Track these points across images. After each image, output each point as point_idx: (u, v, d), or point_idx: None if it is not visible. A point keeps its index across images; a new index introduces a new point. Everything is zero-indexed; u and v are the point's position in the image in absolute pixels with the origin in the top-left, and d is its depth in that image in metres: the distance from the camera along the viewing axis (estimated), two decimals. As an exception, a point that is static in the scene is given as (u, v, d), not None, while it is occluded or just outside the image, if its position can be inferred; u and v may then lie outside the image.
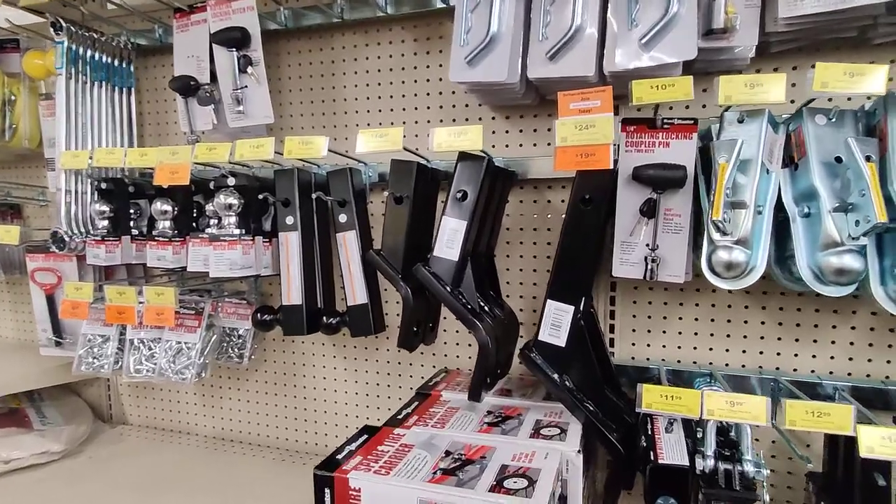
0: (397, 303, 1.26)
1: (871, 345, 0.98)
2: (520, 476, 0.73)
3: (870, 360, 0.98)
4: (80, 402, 1.56)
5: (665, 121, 0.85)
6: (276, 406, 1.42)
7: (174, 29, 1.22)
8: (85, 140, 1.28)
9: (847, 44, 0.93)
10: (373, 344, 1.31)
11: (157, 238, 1.18)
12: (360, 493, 0.73)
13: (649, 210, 0.86)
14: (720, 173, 0.75)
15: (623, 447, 0.89)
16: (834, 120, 0.77)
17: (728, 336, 1.05)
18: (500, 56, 0.91)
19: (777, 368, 1.03)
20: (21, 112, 1.45)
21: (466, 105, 1.18)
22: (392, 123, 1.24)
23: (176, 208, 1.19)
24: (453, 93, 1.18)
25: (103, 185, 1.24)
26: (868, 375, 0.98)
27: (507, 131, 1.15)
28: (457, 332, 1.23)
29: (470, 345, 1.23)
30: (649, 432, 0.88)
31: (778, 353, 1.03)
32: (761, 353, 1.03)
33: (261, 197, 1.10)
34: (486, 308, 0.96)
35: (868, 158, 0.71)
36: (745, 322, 1.04)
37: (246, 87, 1.13)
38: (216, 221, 1.17)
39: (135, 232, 1.26)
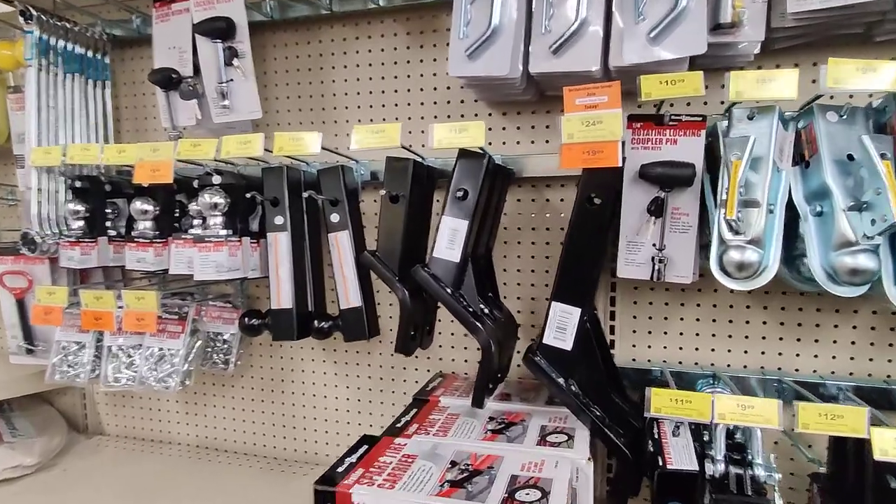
0: (391, 305, 1.22)
1: (872, 344, 0.97)
2: (531, 487, 0.70)
3: (871, 360, 0.98)
4: (53, 412, 1.48)
5: (673, 117, 0.83)
6: (264, 413, 1.36)
7: (153, 19, 1.15)
8: (57, 136, 1.21)
9: (849, 41, 0.92)
10: (364, 348, 1.27)
11: (137, 239, 1.12)
12: (364, 509, 0.69)
13: (657, 209, 0.83)
14: (733, 171, 0.73)
15: (630, 452, 0.86)
16: (845, 117, 0.76)
17: (730, 336, 1.03)
18: (502, 49, 0.88)
19: (779, 368, 1.02)
20: (-13, 106, 1.37)
21: (462, 101, 1.14)
22: (384, 119, 1.20)
23: (157, 208, 1.13)
24: (448, 88, 1.15)
25: (78, 184, 1.16)
26: (870, 375, 0.98)
27: (504, 128, 1.12)
28: (452, 334, 1.20)
29: (466, 348, 1.19)
30: (656, 436, 0.86)
31: (780, 353, 1.02)
32: (763, 353, 1.02)
33: (249, 196, 1.05)
34: (486, 310, 0.93)
35: (883, 156, 0.69)
36: (747, 322, 1.02)
37: (232, 80, 1.08)
38: (200, 222, 1.11)
39: (112, 233, 1.20)
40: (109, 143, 1.33)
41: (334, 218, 1.07)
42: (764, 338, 1.02)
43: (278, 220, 1.07)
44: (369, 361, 1.27)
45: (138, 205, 1.12)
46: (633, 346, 1.09)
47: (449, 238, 0.89)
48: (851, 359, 0.98)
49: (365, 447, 0.83)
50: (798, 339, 1.00)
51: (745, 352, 1.03)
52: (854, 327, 0.98)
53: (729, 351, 1.04)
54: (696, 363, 1.06)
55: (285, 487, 1.21)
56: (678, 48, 0.80)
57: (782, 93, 0.71)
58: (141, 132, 1.41)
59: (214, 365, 1.25)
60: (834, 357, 0.99)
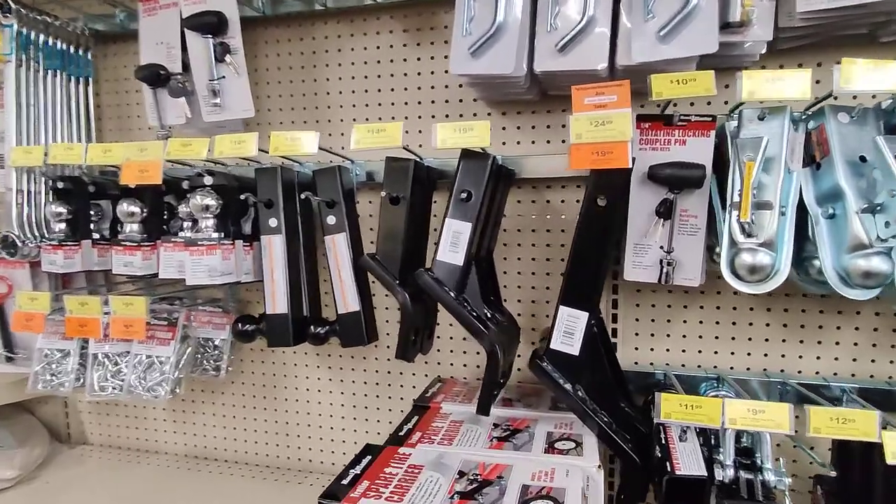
0: (387, 308, 1.19)
1: (874, 345, 0.97)
2: (544, 498, 0.68)
3: (873, 361, 0.98)
4: (34, 422, 1.42)
5: (682, 117, 0.82)
6: (256, 420, 1.33)
7: (140, 13, 1.11)
8: (38, 134, 1.16)
9: (853, 42, 0.91)
10: (359, 353, 1.23)
11: (124, 242, 1.07)
12: (372, 524, 0.67)
13: (666, 211, 0.82)
14: (747, 172, 0.72)
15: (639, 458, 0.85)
16: (856, 118, 0.75)
17: (732, 338, 1.03)
18: (506, 47, 0.86)
19: (782, 370, 1.01)
20: (-38, 103, 1.31)
21: (460, 100, 1.12)
22: (380, 119, 1.17)
23: (145, 210, 1.09)
24: (446, 87, 1.12)
25: (60, 185, 1.12)
26: (871, 376, 0.98)
27: (503, 128, 1.10)
28: (451, 338, 1.17)
29: (465, 352, 1.17)
30: (663, 441, 0.85)
31: (782, 355, 1.01)
32: (766, 355, 1.02)
33: (243, 197, 1.01)
34: (489, 314, 0.91)
35: (897, 158, 0.68)
36: (750, 324, 1.02)
37: (224, 77, 1.04)
38: (190, 224, 1.08)
39: (96, 236, 1.15)
40: (91, 141, 1.28)
41: (331, 220, 1.04)
42: (767, 340, 1.01)
43: (272, 222, 1.03)
44: (364, 367, 1.24)
45: (125, 207, 1.08)
46: (636, 348, 1.08)
47: (452, 241, 0.87)
48: (854, 360, 0.98)
49: (368, 457, 0.80)
50: (801, 341, 1.00)
51: (748, 354, 1.02)
52: (856, 328, 0.97)
53: (732, 353, 1.03)
54: (699, 365, 1.05)
55: (279, 496, 1.18)
56: (688, 47, 0.79)
57: (795, 93, 0.70)
58: (124, 131, 1.36)
59: (205, 371, 1.21)
60: (836, 359, 0.99)
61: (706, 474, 0.78)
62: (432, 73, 1.13)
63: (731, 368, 1.03)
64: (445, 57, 1.11)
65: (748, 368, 1.03)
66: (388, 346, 1.21)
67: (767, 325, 1.01)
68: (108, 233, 1.16)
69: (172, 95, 1.07)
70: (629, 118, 0.73)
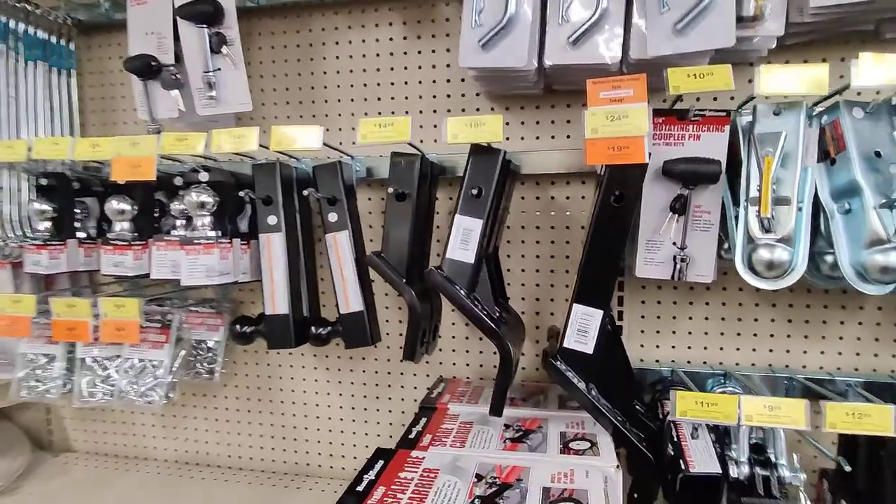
0: (386, 308, 1.17)
1: (877, 339, 0.98)
2: (567, 500, 0.67)
3: (876, 355, 0.99)
4: (14, 430, 1.36)
5: (696, 112, 0.81)
6: (251, 424, 1.29)
7: (128, 1, 1.06)
8: (18, 128, 1.11)
9: (857, 38, 0.92)
10: (357, 353, 1.21)
11: (113, 242, 1.03)
12: (392, 532, 0.64)
13: (681, 207, 0.81)
14: (766, 167, 0.71)
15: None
16: (871, 113, 0.75)
17: (738, 334, 1.03)
18: (518, 39, 0.84)
19: (786, 366, 1.02)
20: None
21: (462, 95, 1.09)
22: (379, 113, 1.14)
23: (135, 207, 1.04)
24: (448, 81, 1.10)
25: (43, 181, 1.06)
26: (874, 370, 0.99)
27: (507, 123, 1.08)
28: (453, 337, 1.15)
29: (468, 351, 1.15)
30: (675, 439, 0.84)
31: (787, 351, 1.01)
32: (771, 350, 1.02)
33: (241, 194, 0.98)
34: (499, 314, 0.89)
35: (915, 153, 0.68)
36: (756, 320, 1.02)
37: (219, 69, 1.00)
38: (184, 222, 1.03)
39: (81, 235, 1.10)
40: (75, 135, 1.23)
41: (332, 217, 1.00)
42: (772, 335, 1.02)
43: (271, 219, 1.00)
44: (362, 367, 1.21)
45: (115, 204, 1.03)
46: (641, 345, 1.07)
47: (463, 238, 0.85)
48: (857, 354, 0.99)
49: (381, 462, 0.77)
50: (805, 336, 1.00)
51: (753, 349, 1.02)
52: (860, 323, 0.98)
53: (737, 349, 1.03)
54: (705, 362, 1.05)
55: (278, 502, 1.14)
56: (705, 40, 0.78)
57: (812, 88, 0.70)
58: (109, 125, 1.30)
59: (198, 374, 1.17)
60: (840, 353, 1.00)
61: (721, 471, 0.78)
62: (433, 66, 1.10)
63: (737, 364, 1.03)
64: (447, 50, 1.09)
65: (753, 364, 1.03)
66: (387, 347, 1.18)
67: (772, 320, 1.01)
68: (94, 231, 1.11)
69: (165, 87, 1.03)
70: (646, 112, 0.72)
